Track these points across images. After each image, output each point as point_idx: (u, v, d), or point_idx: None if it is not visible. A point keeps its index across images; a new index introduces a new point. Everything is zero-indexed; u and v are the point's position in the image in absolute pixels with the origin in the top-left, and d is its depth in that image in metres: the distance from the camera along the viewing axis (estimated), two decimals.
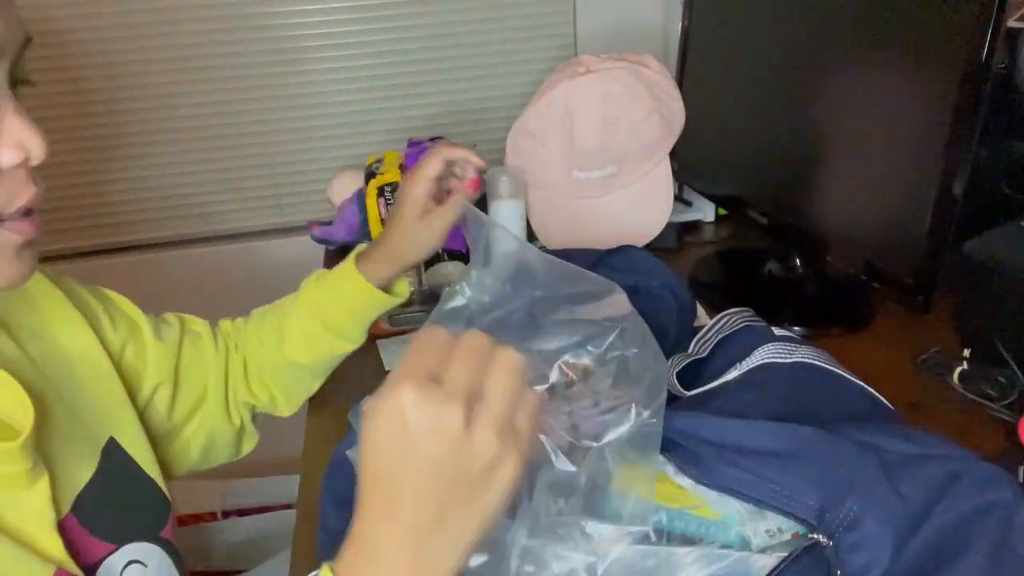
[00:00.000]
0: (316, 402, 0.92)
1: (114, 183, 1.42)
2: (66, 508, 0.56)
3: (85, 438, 0.61)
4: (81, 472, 0.59)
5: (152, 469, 0.67)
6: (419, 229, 0.78)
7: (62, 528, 0.54)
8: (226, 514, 1.58)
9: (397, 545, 0.42)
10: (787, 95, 1.00)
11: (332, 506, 0.68)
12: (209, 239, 1.49)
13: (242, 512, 1.58)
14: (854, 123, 0.90)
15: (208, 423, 0.79)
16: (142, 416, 0.70)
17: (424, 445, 0.40)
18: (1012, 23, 0.93)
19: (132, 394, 0.70)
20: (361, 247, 0.83)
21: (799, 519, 0.52)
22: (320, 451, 0.75)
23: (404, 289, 0.84)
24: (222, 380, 0.80)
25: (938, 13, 0.77)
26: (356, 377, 0.93)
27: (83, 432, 0.61)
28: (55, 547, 0.53)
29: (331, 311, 0.80)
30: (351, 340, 0.82)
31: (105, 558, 0.58)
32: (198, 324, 0.83)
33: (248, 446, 0.86)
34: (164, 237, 1.48)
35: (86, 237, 1.45)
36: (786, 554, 0.52)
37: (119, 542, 0.60)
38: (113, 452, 0.63)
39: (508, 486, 0.42)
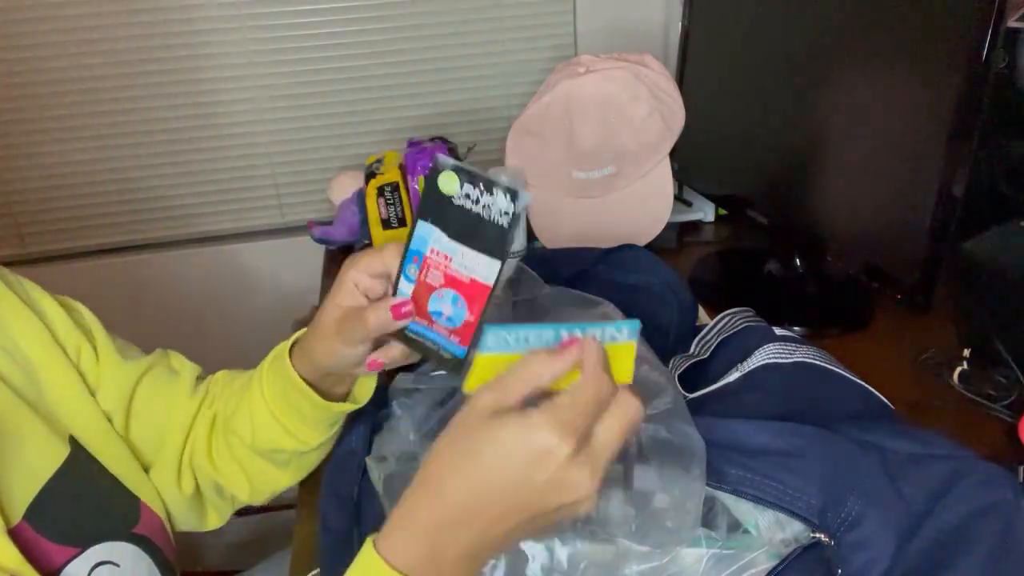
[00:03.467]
0: None
1: (114, 183, 1.42)
2: (18, 516, 0.54)
3: (41, 440, 0.59)
4: (35, 477, 0.57)
5: (118, 465, 0.64)
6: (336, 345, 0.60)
7: (15, 536, 0.53)
8: None
9: (435, 523, 0.43)
10: (787, 95, 1.00)
11: (333, 505, 0.69)
12: (209, 239, 1.49)
13: (242, 512, 1.58)
14: (854, 123, 0.90)
15: (157, 482, 0.68)
16: None
17: (526, 465, 0.42)
18: (1012, 23, 0.93)
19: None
20: (298, 334, 0.65)
21: (801, 518, 0.52)
22: None
23: (365, 393, 0.67)
24: (182, 435, 0.69)
25: (938, 13, 0.77)
26: None
27: (39, 434, 0.59)
28: (8, 554, 0.51)
29: (278, 404, 0.65)
30: (304, 442, 0.66)
31: (68, 563, 0.56)
32: (181, 363, 0.73)
33: (215, 517, 0.74)
34: (164, 237, 1.48)
35: (86, 237, 1.45)
36: (788, 551, 0.52)
37: (83, 545, 0.58)
38: (75, 452, 0.60)
39: (570, 519, 0.45)
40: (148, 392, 0.68)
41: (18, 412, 0.58)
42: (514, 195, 0.49)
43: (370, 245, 1.17)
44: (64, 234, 1.44)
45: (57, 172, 1.39)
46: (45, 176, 1.39)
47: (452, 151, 1.15)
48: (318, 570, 0.66)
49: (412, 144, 1.19)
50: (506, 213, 0.50)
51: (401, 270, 0.56)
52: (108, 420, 0.65)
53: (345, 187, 1.24)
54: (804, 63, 0.96)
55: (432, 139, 1.20)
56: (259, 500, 0.72)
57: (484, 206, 0.51)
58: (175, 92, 1.37)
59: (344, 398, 0.66)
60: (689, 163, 1.20)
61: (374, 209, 1.13)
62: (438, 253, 0.53)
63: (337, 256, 1.26)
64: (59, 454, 0.59)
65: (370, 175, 1.14)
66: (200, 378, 0.74)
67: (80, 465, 0.61)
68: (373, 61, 1.42)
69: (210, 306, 1.51)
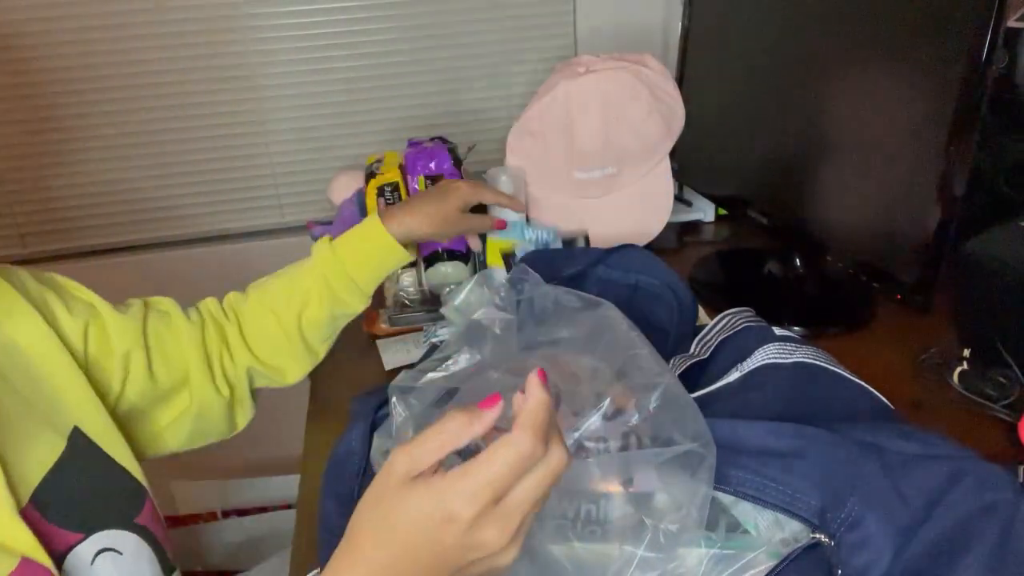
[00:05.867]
0: (316, 402, 0.93)
1: (114, 183, 1.42)
2: (24, 499, 0.57)
3: (43, 430, 0.61)
4: (39, 463, 0.59)
5: (122, 455, 0.67)
6: (449, 224, 0.91)
7: (23, 518, 0.55)
8: (226, 514, 1.59)
9: None
10: (787, 95, 1.00)
11: (333, 505, 0.68)
12: (209, 239, 1.49)
13: (242, 512, 1.58)
14: (854, 123, 0.90)
15: (197, 395, 0.78)
16: (123, 391, 0.72)
17: (434, 529, 0.43)
18: (1012, 23, 0.93)
19: (106, 374, 0.71)
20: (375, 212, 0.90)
21: (801, 518, 0.52)
22: (320, 451, 0.75)
23: (413, 251, 0.91)
24: (201, 351, 0.80)
25: (938, 13, 0.77)
26: (357, 377, 0.93)
27: (41, 424, 0.61)
28: (19, 535, 0.53)
29: (351, 265, 0.85)
30: (362, 298, 0.86)
31: (73, 547, 0.59)
32: (165, 304, 0.82)
33: (243, 419, 0.84)
34: (164, 237, 1.48)
35: (86, 237, 1.45)
36: (788, 551, 0.52)
37: (88, 531, 0.60)
38: (78, 441, 0.63)
39: (493, 570, 0.45)
40: (155, 330, 0.76)
41: (13, 401, 0.60)
42: None
43: None
44: (64, 234, 1.44)
45: (57, 172, 1.39)
46: (45, 176, 1.39)
47: (452, 151, 1.14)
48: (318, 570, 0.65)
49: (412, 144, 1.19)
50: None
51: None
52: (105, 405, 0.68)
53: (345, 187, 1.24)
54: (804, 63, 0.96)
55: (432, 139, 1.20)
56: (300, 378, 0.87)
57: None
58: (175, 92, 1.38)
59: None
60: (689, 163, 1.20)
61: (374, 209, 1.13)
62: None
63: None
64: (56, 446, 0.61)
65: (370, 175, 1.14)
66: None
67: (84, 452, 0.63)
68: (373, 61, 1.42)
69: None
